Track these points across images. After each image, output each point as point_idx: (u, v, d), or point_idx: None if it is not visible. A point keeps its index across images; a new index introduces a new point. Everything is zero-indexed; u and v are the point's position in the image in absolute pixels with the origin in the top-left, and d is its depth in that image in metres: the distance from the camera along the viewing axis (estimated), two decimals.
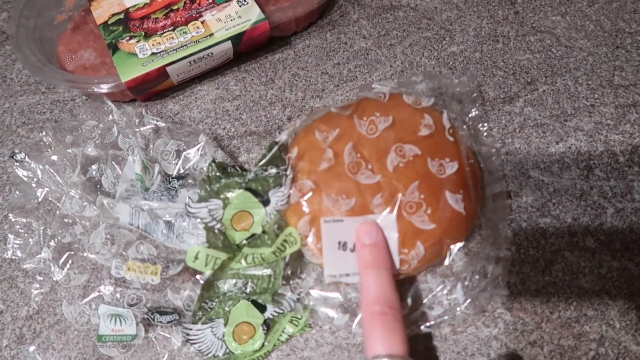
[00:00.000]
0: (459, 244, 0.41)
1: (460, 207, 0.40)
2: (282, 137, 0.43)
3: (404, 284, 0.42)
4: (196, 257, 0.40)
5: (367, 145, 0.42)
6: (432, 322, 0.40)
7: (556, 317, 0.42)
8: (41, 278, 0.43)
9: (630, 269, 0.43)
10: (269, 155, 0.42)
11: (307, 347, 0.41)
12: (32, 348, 0.41)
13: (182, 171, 0.45)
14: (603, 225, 0.45)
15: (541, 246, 0.45)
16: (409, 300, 0.41)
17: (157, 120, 0.47)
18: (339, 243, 0.39)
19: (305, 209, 0.41)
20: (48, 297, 0.44)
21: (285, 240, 0.41)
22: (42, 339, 0.42)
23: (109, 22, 0.52)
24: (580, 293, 0.42)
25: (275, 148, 0.43)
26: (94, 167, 0.45)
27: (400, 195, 0.40)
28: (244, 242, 0.42)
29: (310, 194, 0.41)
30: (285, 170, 0.42)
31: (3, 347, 0.42)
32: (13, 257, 0.44)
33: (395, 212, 0.40)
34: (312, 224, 0.40)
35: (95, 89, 0.49)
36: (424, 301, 0.41)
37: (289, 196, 0.42)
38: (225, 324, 0.41)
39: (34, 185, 0.44)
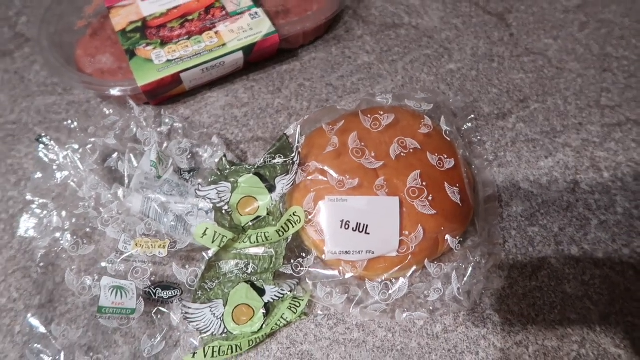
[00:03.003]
0: (456, 239, 0.44)
1: (457, 199, 0.43)
2: (291, 130, 0.47)
3: (404, 269, 0.44)
4: (204, 233, 0.42)
5: (371, 137, 0.45)
6: (429, 308, 0.43)
7: (541, 319, 0.44)
8: (47, 244, 0.45)
9: (612, 277, 0.46)
10: (278, 144, 0.46)
11: (306, 341, 0.43)
12: (42, 332, 0.43)
13: (193, 166, 0.48)
14: (587, 236, 0.48)
15: (529, 253, 0.47)
16: (407, 285, 0.43)
17: (174, 120, 0.50)
18: (342, 221, 0.42)
19: (311, 187, 0.43)
20: (60, 286, 0.46)
21: (289, 220, 0.43)
22: (53, 326, 0.44)
23: (127, 30, 0.55)
24: (564, 298, 0.45)
25: (285, 138, 0.46)
26: (114, 156, 0.48)
27: (402, 180, 0.43)
28: (249, 224, 0.45)
29: (316, 174, 0.44)
30: (293, 158, 0.44)
31: (15, 333, 0.44)
32: (25, 235, 0.45)
33: (398, 195, 0.42)
34: (316, 202, 0.43)
35: (112, 92, 0.51)
36: (421, 287, 0.44)
37: (294, 181, 0.44)
38: (225, 305, 0.43)
39: (55, 167, 0.46)
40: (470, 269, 0.43)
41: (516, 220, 0.49)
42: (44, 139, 0.46)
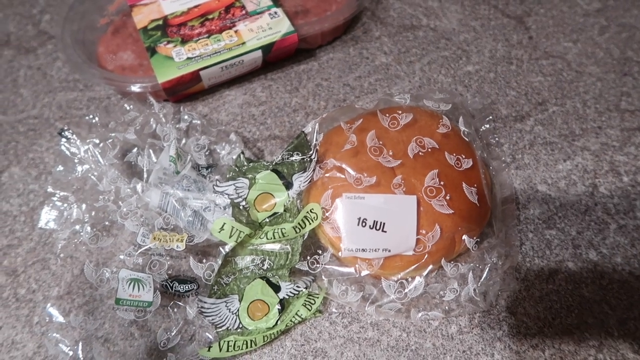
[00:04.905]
0: (473, 239, 0.43)
1: (475, 199, 0.43)
2: (309, 127, 0.47)
3: (420, 268, 0.44)
4: (222, 228, 0.43)
5: (389, 136, 0.45)
6: (444, 308, 0.43)
7: (558, 323, 0.44)
8: (67, 237, 0.46)
9: (631, 281, 0.45)
10: (296, 142, 0.46)
11: (320, 339, 0.43)
12: (61, 321, 0.44)
13: (211, 162, 0.49)
14: (606, 240, 0.48)
15: (546, 256, 0.47)
16: (423, 284, 0.43)
17: (192, 117, 0.51)
18: (359, 219, 0.42)
19: (328, 184, 0.44)
20: (78, 278, 0.46)
21: (306, 217, 0.43)
22: (71, 317, 0.44)
23: (149, 27, 0.56)
24: (581, 302, 0.45)
25: (303, 136, 0.47)
26: (133, 151, 0.49)
27: (420, 179, 0.43)
28: (266, 220, 0.45)
29: (333, 171, 0.44)
30: (310, 155, 0.45)
31: (34, 323, 0.45)
32: (46, 227, 0.46)
33: (416, 194, 0.42)
34: (333, 199, 0.43)
35: (133, 88, 0.52)
36: (437, 287, 0.44)
37: (312, 178, 0.44)
38: (240, 300, 0.43)
39: (76, 161, 0.47)
40: (487, 270, 0.43)
41: (533, 223, 0.49)
42: (67, 133, 0.47)
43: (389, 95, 0.51)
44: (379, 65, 0.60)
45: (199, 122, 0.52)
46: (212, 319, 0.43)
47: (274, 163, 0.47)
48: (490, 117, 0.53)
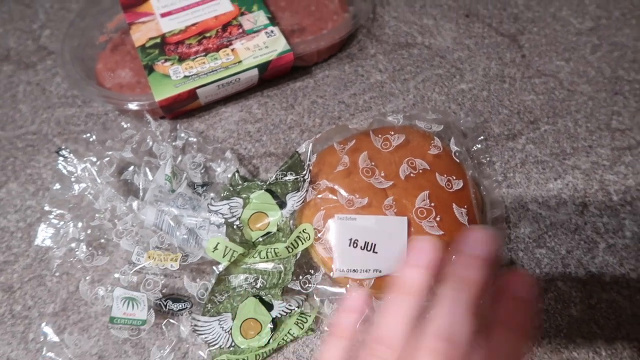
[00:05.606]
0: None
1: (465, 220, 0.44)
2: (303, 148, 0.48)
3: None
4: (215, 248, 0.43)
5: (381, 157, 0.46)
6: None
7: (547, 342, 0.44)
8: (62, 254, 0.47)
9: (619, 301, 0.46)
10: (290, 162, 0.47)
11: (312, 357, 0.44)
12: (55, 340, 0.44)
13: (206, 180, 0.50)
14: (595, 259, 0.48)
15: (536, 275, 0.47)
16: None
17: (188, 134, 0.51)
18: (350, 240, 0.42)
19: (321, 205, 0.44)
20: (73, 295, 0.47)
21: (298, 237, 0.44)
22: (65, 335, 0.45)
23: (147, 45, 0.56)
24: (570, 321, 0.45)
25: (296, 156, 0.48)
26: (129, 170, 0.50)
27: (411, 200, 0.43)
28: (260, 239, 0.46)
29: (326, 192, 0.44)
30: (304, 175, 0.45)
31: (29, 340, 0.45)
32: (42, 245, 0.47)
33: (407, 215, 0.43)
34: (326, 220, 0.44)
35: (130, 106, 0.53)
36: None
37: (305, 198, 0.45)
38: (233, 319, 0.44)
39: (73, 179, 0.48)
40: None
41: (524, 242, 0.49)
42: (64, 152, 0.48)
43: (383, 114, 0.52)
44: (373, 83, 0.61)
45: (195, 139, 0.52)
46: (205, 337, 0.43)
47: (267, 183, 0.47)
48: (482, 137, 0.54)
